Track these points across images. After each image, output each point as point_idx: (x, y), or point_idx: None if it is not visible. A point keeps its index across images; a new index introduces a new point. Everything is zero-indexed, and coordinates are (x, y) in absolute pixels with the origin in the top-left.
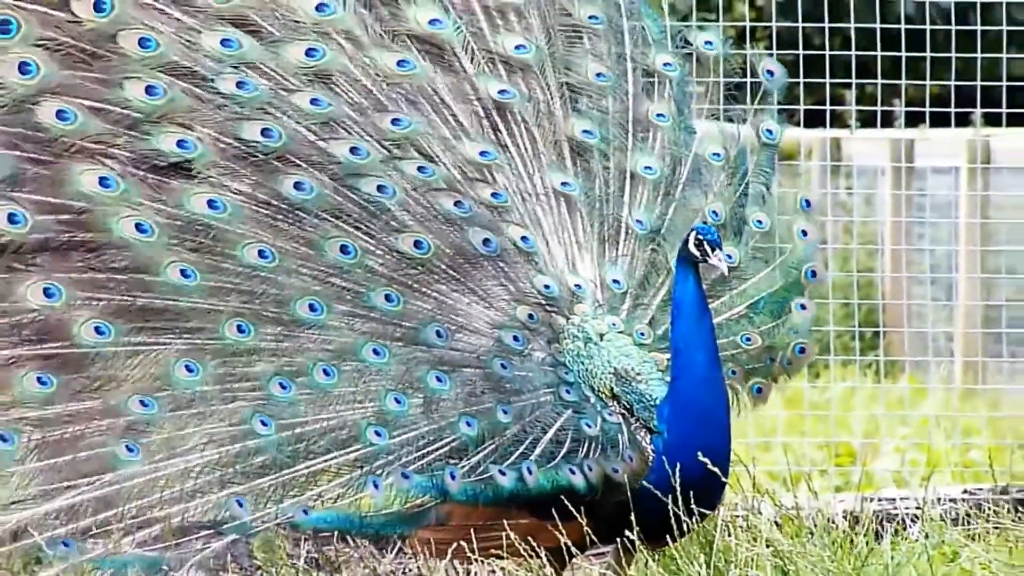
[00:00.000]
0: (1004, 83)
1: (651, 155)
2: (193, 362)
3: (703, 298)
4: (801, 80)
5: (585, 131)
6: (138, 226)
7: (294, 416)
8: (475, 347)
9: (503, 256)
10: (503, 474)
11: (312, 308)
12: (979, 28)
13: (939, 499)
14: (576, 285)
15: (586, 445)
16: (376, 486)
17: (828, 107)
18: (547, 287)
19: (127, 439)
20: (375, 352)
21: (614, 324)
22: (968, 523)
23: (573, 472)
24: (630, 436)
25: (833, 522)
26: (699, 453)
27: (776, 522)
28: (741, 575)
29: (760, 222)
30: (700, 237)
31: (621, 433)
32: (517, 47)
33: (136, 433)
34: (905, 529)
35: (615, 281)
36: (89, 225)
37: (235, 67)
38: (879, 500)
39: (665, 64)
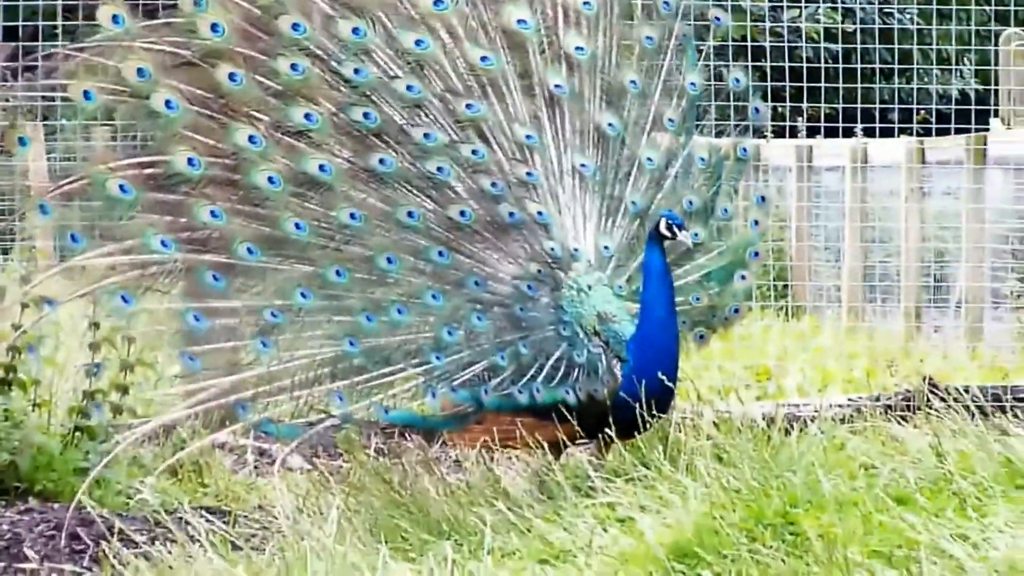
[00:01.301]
0: (877, 105)
1: (655, 151)
2: (307, 289)
3: (666, 266)
4: (731, 103)
5: (610, 124)
6: (270, 178)
7: (379, 337)
8: (502, 293)
9: (523, 225)
10: (520, 393)
11: (389, 260)
12: (859, 66)
13: (830, 405)
14: (575, 248)
15: (576, 370)
16: (433, 395)
17: (751, 123)
18: (553, 249)
19: (264, 336)
20: (433, 296)
21: (600, 279)
22: (852, 422)
23: (567, 392)
24: (607, 363)
25: (755, 422)
26: (656, 374)
27: (714, 422)
28: (688, 460)
29: (725, 210)
30: (668, 221)
31: (601, 360)
32: (577, 48)
33: (269, 333)
34: (806, 427)
35: (605, 247)
36: (239, 170)
37: (356, 54)
38: (788, 406)
39: (691, 84)
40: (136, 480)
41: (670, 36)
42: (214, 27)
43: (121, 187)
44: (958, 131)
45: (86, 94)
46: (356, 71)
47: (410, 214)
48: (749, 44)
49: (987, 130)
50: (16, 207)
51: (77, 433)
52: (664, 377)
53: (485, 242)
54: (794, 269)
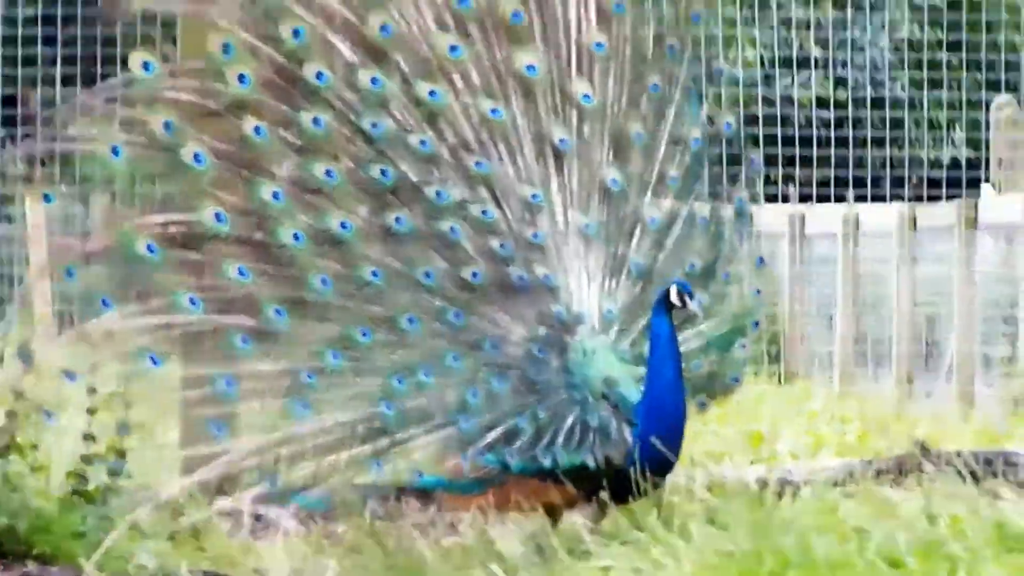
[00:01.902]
0: (869, 172)
1: (658, 209)
2: (336, 351)
3: (674, 333)
4: (724, 170)
5: (613, 179)
6: (295, 235)
7: (409, 399)
8: (515, 356)
9: (531, 287)
10: (544, 456)
11: (410, 321)
12: (851, 133)
13: (823, 469)
14: (579, 311)
15: (592, 433)
16: (465, 458)
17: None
18: (558, 312)
19: (299, 398)
20: (454, 358)
21: (604, 342)
22: (844, 486)
23: (587, 455)
24: (618, 427)
25: (748, 486)
26: (664, 439)
27: (708, 486)
28: (682, 523)
29: (727, 275)
30: (679, 289)
31: (611, 424)
32: (584, 96)
33: (302, 394)
34: (799, 491)
35: (609, 310)
36: (265, 227)
37: (375, 106)
38: (781, 470)
39: (695, 139)
40: (135, 544)
41: (675, 84)
42: (241, 77)
43: (148, 247)
44: (949, 197)
45: (114, 149)
46: (374, 125)
47: (427, 274)
48: (742, 111)
49: (978, 196)
50: (16, 273)
51: (75, 497)
52: (671, 443)
53: (495, 304)
54: (787, 335)
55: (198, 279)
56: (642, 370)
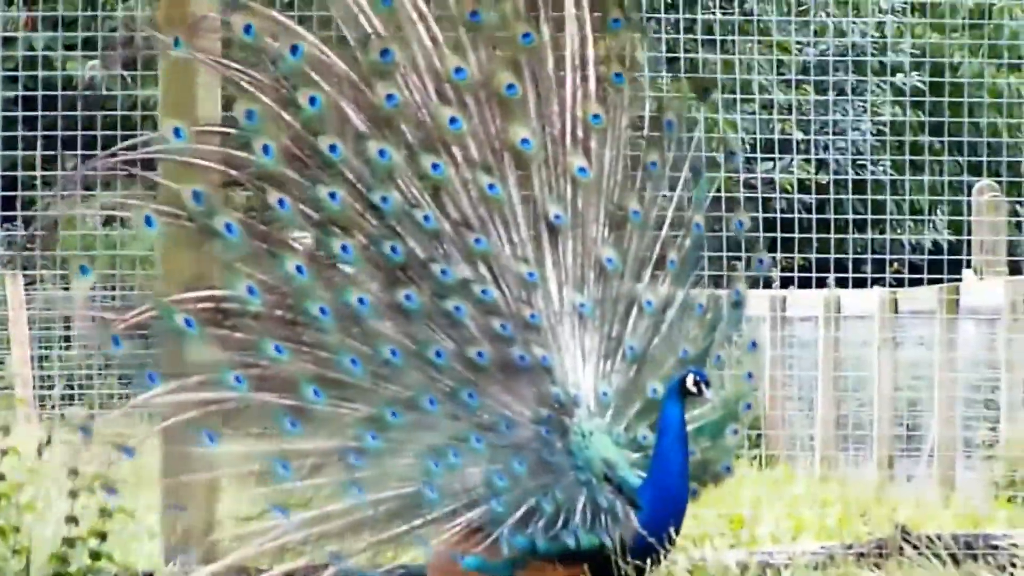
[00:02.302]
0: (850, 256)
1: (654, 292)
2: (375, 431)
3: (684, 421)
4: (706, 254)
5: (609, 259)
6: (322, 309)
7: (445, 481)
8: (526, 437)
9: (532, 368)
10: (568, 537)
11: (431, 402)
12: (832, 217)
13: (803, 552)
14: (576, 393)
15: (604, 515)
16: (498, 541)
17: (725, 273)
18: (556, 394)
19: (348, 477)
20: (476, 440)
21: (599, 425)
22: (825, 569)
23: (604, 536)
24: (623, 510)
25: (729, 570)
26: (668, 525)
27: (688, 570)
28: None
29: (719, 357)
30: (696, 378)
31: (617, 507)
32: (580, 169)
33: (351, 472)
34: (780, 574)
35: (604, 393)
36: (292, 303)
37: (383, 179)
38: (761, 553)
39: (697, 224)
40: None
41: (679, 165)
42: (265, 148)
43: (187, 321)
44: (931, 281)
45: (147, 219)
46: (383, 199)
47: (438, 353)
48: (723, 196)
49: (960, 280)
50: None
51: None
52: (673, 528)
53: (501, 385)
54: (768, 418)
55: (239, 356)
56: (636, 455)
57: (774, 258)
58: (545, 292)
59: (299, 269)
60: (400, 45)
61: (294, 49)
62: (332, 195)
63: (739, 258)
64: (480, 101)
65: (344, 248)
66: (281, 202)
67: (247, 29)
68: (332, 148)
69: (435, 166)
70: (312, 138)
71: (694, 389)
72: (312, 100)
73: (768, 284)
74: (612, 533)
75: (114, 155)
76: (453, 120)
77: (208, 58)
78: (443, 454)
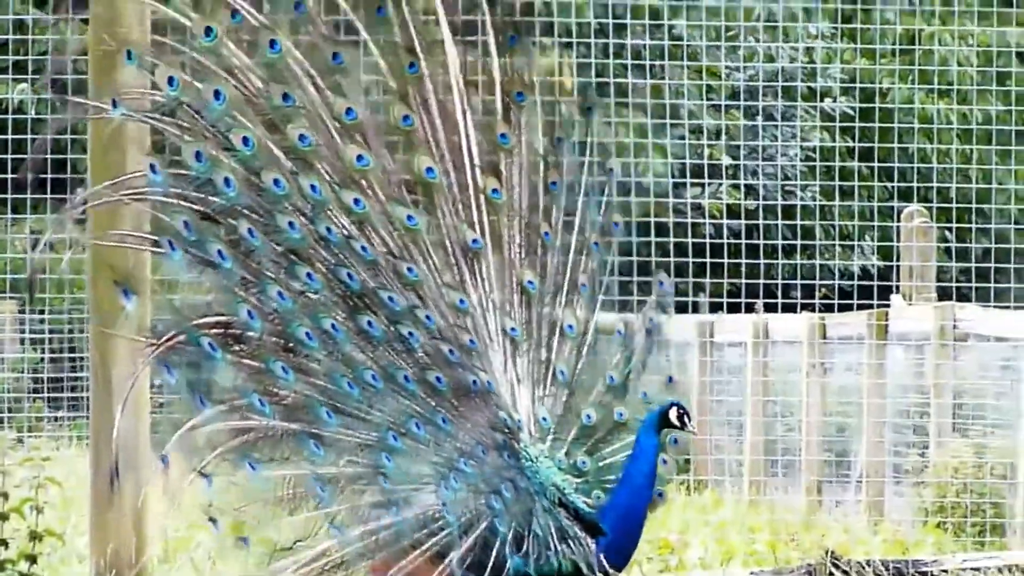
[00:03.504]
0: (779, 281)
1: (573, 316)
2: (389, 456)
3: (658, 453)
4: (634, 279)
5: (530, 282)
6: (307, 334)
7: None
8: (500, 463)
9: (481, 392)
10: (554, 560)
11: (417, 426)
12: (760, 242)
13: None
14: (518, 418)
15: (571, 540)
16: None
17: (653, 298)
18: (504, 419)
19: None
20: (464, 464)
21: (542, 450)
22: None
23: (581, 559)
24: (582, 534)
25: None
26: (628, 551)
27: None
28: None
29: (645, 394)
30: (680, 411)
31: (575, 531)
32: (493, 191)
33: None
34: None
35: (544, 418)
36: (283, 328)
37: (320, 213)
38: None
39: (594, 244)
40: None
41: (576, 188)
42: (226, 181)
43: (210, 345)
44: (860, 307)
45: (171, 244)
46: (328, 230)
47: (406, 378)
48: (652, 220)
49: (888, 306)
50: None
51: None
52: (630, 553)
53: (462, 410)
54: (696, 443)
55: (257, 381)
56: (578, 480)
57: (702, 283)
58: (475, 318)
59: (280, 295)
60: (298, 89)
61: (216, 95)
62: (291, 224)
63: (651, 283)
64: (379, 136)
65: (309, 276)
66: (250, 231)
67: (171, 81)
68: (276, 182)
69: (356, 201)
70: (255, 176)
71: (677, 422)
72: (245, 140)
73: (696, 309)
74: (578, 558)
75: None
76: (360, 157)
77: (142, 116)
78: (446, 478)
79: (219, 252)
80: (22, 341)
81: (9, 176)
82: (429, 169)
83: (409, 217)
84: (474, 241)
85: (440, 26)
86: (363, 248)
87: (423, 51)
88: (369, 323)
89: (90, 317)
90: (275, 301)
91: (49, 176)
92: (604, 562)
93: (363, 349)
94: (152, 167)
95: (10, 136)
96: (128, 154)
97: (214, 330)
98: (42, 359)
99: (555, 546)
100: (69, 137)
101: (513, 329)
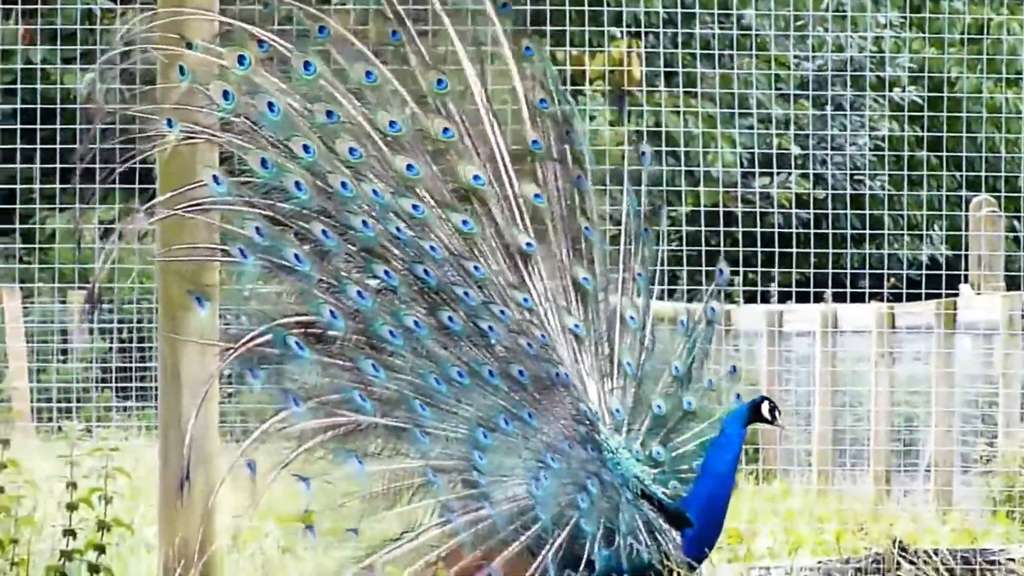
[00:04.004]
0: (847, 271)
1: (633, 307)
2: (481, 454)
3: (743, 446)
4: (703, 268)
5: (584, 278)
6: (390, 331)
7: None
8: (585, 457)
9: (560, 385)
10: (645, 554)
11: (505, 422)
12: (830, 231)
13: (801, 568)
14: (595, 410)
15: (658, 532)
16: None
17: (723, 288)
18: (584, 411)
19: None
20: (553, 460)
21: (620, 442)
22: None
23: (663, 553)
24: (665, 526)
25: None
26: (713, 541)
27: None
28: None
29: (710, 382)
30: (771, 405)
31: (660, 524)
32: (535, 196)
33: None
34: None
35: (617, 410)
36: (366, 327)
37: (385, 214)
38: (759, 568)
39: (644, 231)
40: None
41: (616, 179)
42: (297, 185)
43: (297, 343)
44: (928, 296)
45: (242, 252)
46: (398, 229)
47: (490, 372)
48: (721, 210)
49: (957, 295)
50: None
51: None
52: (712, 544)
53: (544, 403)
54: (765, 433)
55: (349, 379)
56: (655, 471)
57: (771, 273)
58: (539, 316)
59: (359, 295)
60: (337, 105)
61: (271, 106)
62: (364, 223)
63: (731, 272)
64: (425, 147)
65: (387, 273)
66: (325, 233)
67: (225, 95)
68: (343, 185)
69: (415, 207)
70: (321, 180)
71: (769, 416)
72: (305, 148)
73: (765, 299)
74: (666, 550)
75: (162, 200)
76: (409, 167)
77: (205, 132)
78: (536, 474)
79: (295, 256)
80: (91, 331)
81: (77, 166)
82: (476, 176)
83: (464, 222)
84: (527, 244)
85: (455, 44)
86: (432, 248)
87: (443, 67)
88: (449, 318)
89: (159, 307)
90: (355, 301)
91: (118, 166)
92: (690, 554)
93: (446, 345)
94: (215, 178)
95: (78, 126)
96: (199, 149)
97: (296, 330)
98: (111, 349)
99: (643, 539)
100: (138, 126)
101: (576, 325)
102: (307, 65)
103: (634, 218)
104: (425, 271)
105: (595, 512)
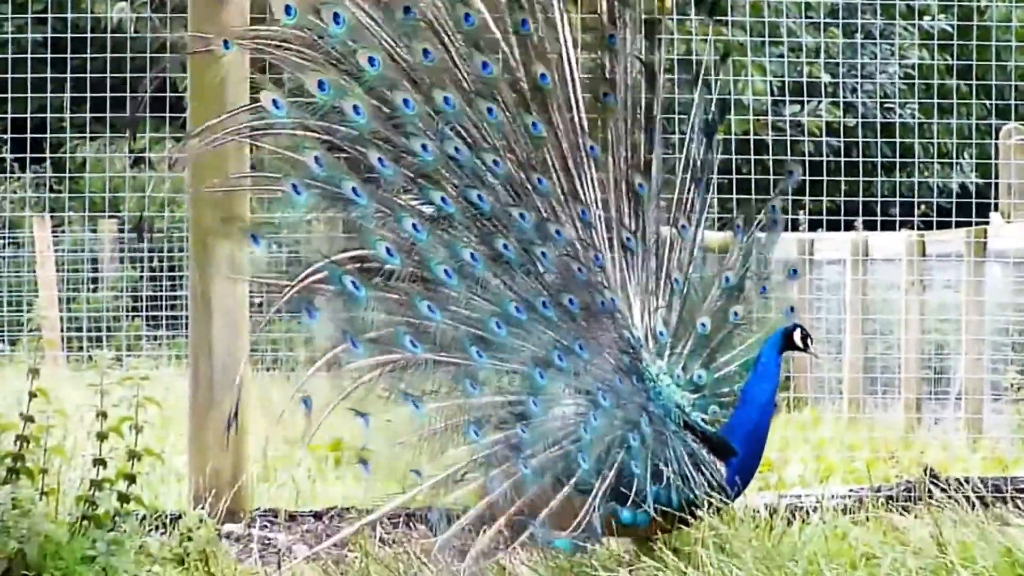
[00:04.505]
0: (878, 199)
1: (684, 216)
2: (533, 396)
3: (780, 373)
4: (734, 196)
5: (640, 184)
6: (446, 271)
7: (593, 445)
8: (631, 390)
9: (606, 312)
10: (696, 488)
11: (560, 358)
12: (860, 160)
13: (832, 496)
14: (638, 335)
15: (700, 465)
16: (618, 515)
17: (754, 215)
18: (628, 338)
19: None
20: (604, 398)
21: (661, 368)
22: (853, 513)
23: (715, 483)
24: (708, 456)
25: (757, 513)
26: (755, 469)
27: (717, 512)
28: (691, 550)
29: (764, 288)
30: (803, 333)
31: (705, 454)
32: (605, 95)
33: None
34: (808, 517)
35: (661, 332)
36: (421, 263)
37: (450, 130)
38: (790, 496)
39: (703, 140)
40: (144, 568)
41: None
42: (356, 109)
43: (352, 282)
44: (958, 224)
45: (295, 187)
46: (456, 149)
47: (544, 304)
48: (752, 138)
49: (987, 223)
50: (25, 296)
51: (84, 522)
52: (754, 472)
53: (593, 333)
54: (795, 360)
55: (402, 318)
56: (695, 396)
57: (802, 201)
58: (595, 231)
59: (415, 227)
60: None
61: (336, 17)
62: (424, 147)
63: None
64: (502, 41)
65: (443, 200)
66: (381, 161)
67: (287, 10)
68: (405, 102)
69: (489, 110)
70: (382, 100)
71: (801, 344)
72: (371, 61)
73: (796, 227)
74: (713, 481)
75: (211, 128)
76: (484, 65)
77: (266, 45)
78: (588, 414)
79: (353, 189)
80: (121, 260)
81: (108, 95)
82: (543, 75)
83: (534, 124)
84: (591, 148)
85: None
86: (495, 162)
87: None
88: (504, 246)
89: (189, 236)
90: (411, 234)
91: (148, 95)
92: (733, 483)
93: (501, 277)
94: (274, 102)
95: (109, 55)
96: (229, 79)
97: (350, 265)
98: (141, 278)
99: (690, 472)
100: (168, 55)
101: (629, 239)
102: None
103: (689, 133)
104: (479, 196)
105: (644, 449)
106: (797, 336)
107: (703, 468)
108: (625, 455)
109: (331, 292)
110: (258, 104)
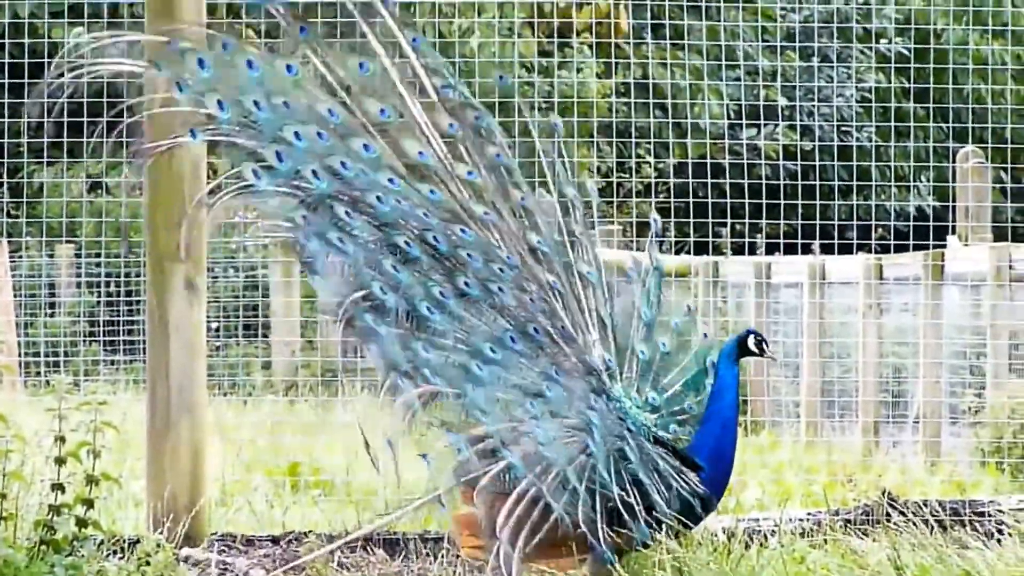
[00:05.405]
0: (835, 222)
1: (586, 263)
2: (545, 430)
3: (739, 382)
4: (691, 220)
5: (539, 241)
6: (428, 308)
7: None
8: (611, 408)
9: (566, 337)
10: (675, 503)
11: (548, 389)
12: (817, 183)
13: (790, 519)
14: (594, 361)
15: (672, 479)
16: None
17: (710, 239)
18: (591, 362)
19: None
20: (591, 408)
21: (621, 391)
22: (811, 536)
23: (693, 498)
24: (680, 470)
25: (715, 536)
26: (724, 484)
27: (675, 537)
28: (649, 574)
29: (677, 323)
30: (758, 338)
31: (676, 468)
32: (468, 172)
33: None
34: (766, 541)
35: (608, 359)
36: (409, 301)
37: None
38: (748, 520)
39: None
40: None
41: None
42: (314, 173)
43: (371, 319)
44: (916, 248)
45: (255, 173)
46: (398, 201)
47: (512, 338)
48: (708, 162)
49: (944, 247)
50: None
51: (43, 547)
52: (724, 487)
53: (561, 358)
54: (753, 384)
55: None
56: (654, 416)
57: (759, 224)
58: (525, 273)
59: (394, 268)
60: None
61: (257, 105)
62: (379, 198)
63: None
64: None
65: (407, 244)
66: (348, 214)
67: (221, 106)
68: (343, 165)
69: (391, 180)
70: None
71: (756, 349)
72: (296, 135)
73: (753, 250)
74: (695, 489)
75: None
76: (366, 146)
77: (220, 135)
78: (584, 440)
79: (338, 238)
80: (78, 284)
81: (65, 120)
82: (420, 152)
83: (469, 172)
84: (485, 213)
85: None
86: (425, 215)
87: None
88: (466, 283)
89: (147, 260)
90: (392, 275)
91: (105, 120)
92: (711, 497)
93: (470, 311)
94: (255, 172)
95: (66, 80)
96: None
97: (365, 303)
98: (98, 302)
99: (675, 484)
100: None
101: (553, 281)
102: (289, 68)
103: (559, 182)
104: (434, 237)
105: (644, 463)
106: (751, 342)
107: (682, 480)
108: (631, 468)
109: (361, 328)
110: (242, 181)
